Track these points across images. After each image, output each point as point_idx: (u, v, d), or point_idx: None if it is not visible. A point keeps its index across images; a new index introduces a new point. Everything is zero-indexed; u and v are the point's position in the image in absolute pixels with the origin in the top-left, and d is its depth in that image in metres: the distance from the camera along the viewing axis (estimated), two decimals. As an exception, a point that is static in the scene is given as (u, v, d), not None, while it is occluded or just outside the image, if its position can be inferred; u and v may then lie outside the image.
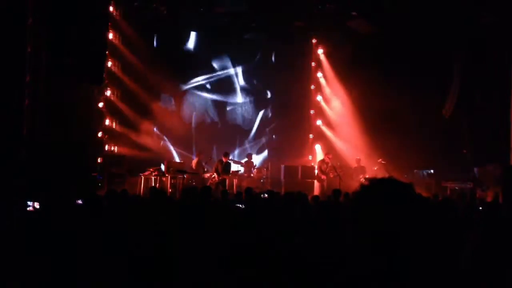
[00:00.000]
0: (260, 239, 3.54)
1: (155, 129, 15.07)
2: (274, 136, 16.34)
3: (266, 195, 8.71)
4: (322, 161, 13.87)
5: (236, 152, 16.02)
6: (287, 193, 8.25)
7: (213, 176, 12.81)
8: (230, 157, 15.03)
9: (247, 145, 16.26)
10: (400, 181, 1.61)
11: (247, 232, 3.96)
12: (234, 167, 14.52)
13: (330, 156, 13.79)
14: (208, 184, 12.23)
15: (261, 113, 16.63)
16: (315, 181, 14.04)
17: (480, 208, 6.83)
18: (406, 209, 1.52)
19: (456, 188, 11.95)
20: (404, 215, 1.51)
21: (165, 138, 15.37)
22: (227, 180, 12.89)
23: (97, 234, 3.81)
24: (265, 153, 16.33)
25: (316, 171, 14.17)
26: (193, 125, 16.01)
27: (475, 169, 12.28)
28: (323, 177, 13.57)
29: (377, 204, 1.54)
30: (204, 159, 13.85)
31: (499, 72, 12.22)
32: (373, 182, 1.61)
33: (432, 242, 1.62)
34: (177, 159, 14.75)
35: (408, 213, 1.52)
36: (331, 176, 13.28)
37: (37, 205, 6.63)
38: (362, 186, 1.60)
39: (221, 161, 13.05)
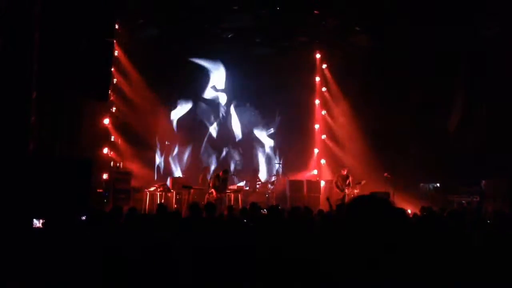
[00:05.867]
0: (262, 252, 3.53)
1: (159, 144, 15.11)
2: (280, 151, 16.32)
3: (265, 211, 8.61)
4: (339, 176, 13.46)
5: (241, 166, 16.01)
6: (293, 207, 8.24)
7: (211, 191, 12.30)
8: (236, 173, 15.03)
9: (252, 160, 16.24)
10: (379, 197, 1.78)
11: (249, 245, 3.94)
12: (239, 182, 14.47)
13: (346, 170, 13.42)
14: (205, 200, 12.07)
15: (266, 128, 16.64)
16: (320, 196, 13.96)
17: (488, 221, 6.77)
18: (384, 223, 1.66)
19: (463, 201, 11.86)
20: (381, 228, 1.65)
21: (171, 153, 15.39)
22: (226, 198, 12.62)
23: None
24: (271, 167, 16.29)
25: (322, 184, 14.08)
26: (198, 140, 16.01)
27: (482, 182, 12.18)
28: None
29: (357, 218, 1.71)
30: (209, 174, 13.85)
31: (503, 84, 12.20)
32: (355, 199, 1.80)
33: (418, 255, 1.75)
34: (182, 175, 14.75)
35: (386, 227, 1.66)
36: (347, 191, 13.05)
37: (42, 222, 6.64)
38: (349, 201, 1.79)
39: (218, 176, 12.55)
